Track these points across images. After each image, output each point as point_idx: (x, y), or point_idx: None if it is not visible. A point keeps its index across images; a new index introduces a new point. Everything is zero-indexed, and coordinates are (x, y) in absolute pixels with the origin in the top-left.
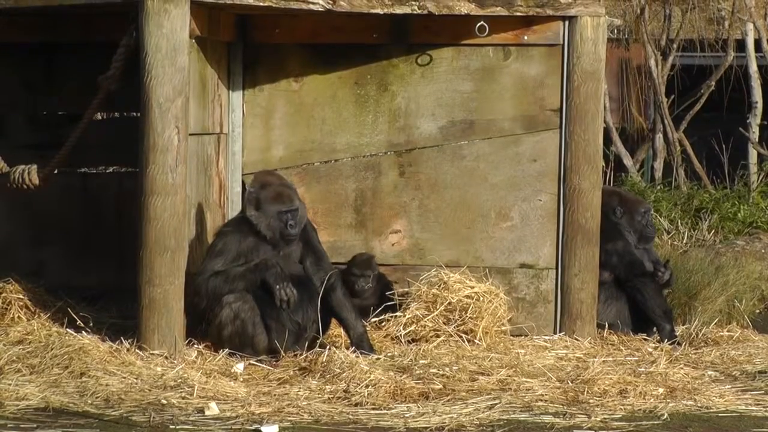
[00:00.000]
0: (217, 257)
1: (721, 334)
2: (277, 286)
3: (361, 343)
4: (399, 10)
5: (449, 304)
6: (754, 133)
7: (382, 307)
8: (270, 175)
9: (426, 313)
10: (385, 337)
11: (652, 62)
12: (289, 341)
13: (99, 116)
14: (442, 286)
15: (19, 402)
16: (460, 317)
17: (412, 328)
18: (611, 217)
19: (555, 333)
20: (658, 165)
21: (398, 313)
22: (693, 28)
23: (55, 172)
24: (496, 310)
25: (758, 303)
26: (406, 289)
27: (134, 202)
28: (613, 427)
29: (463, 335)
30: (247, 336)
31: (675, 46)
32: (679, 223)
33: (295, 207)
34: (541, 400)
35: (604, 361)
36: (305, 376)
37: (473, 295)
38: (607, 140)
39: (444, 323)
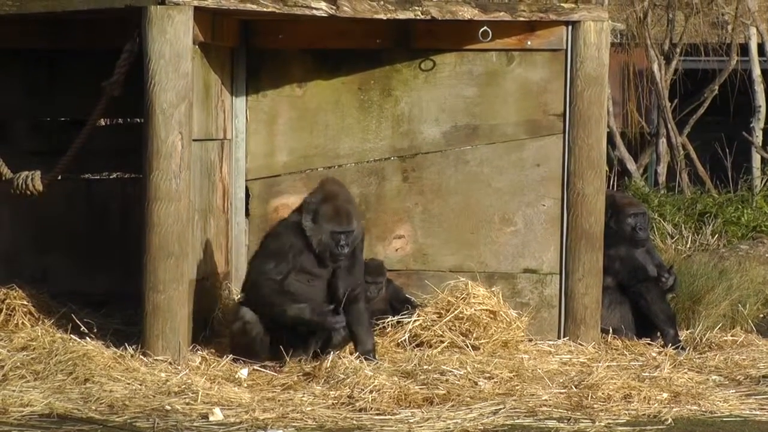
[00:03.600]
0: (271, 259)
1: (725, 338)
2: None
3: (367, 359)
4: (402, 15)
5: (460, 312)
6: (758, 137)
7: (403, 313)
8: (335, 186)
9: (435, 319)
10: (390, 342)
11: (655, 67)
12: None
13: (102, 122)
14: (462, 296)
15: (24, 408)
16: (468, 329)
17: (419, 332)
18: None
19: (559, 338)
20: (662, 169)
21: (405, 315)
22: (696, 33)
23: (59, 178)
24: (504, 335)
25: (762, 307)
26: (427, 296)
27: (138, 208)
28: None
29: (467, 342)
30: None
31: (678, 50)
32: (683, 228)
33: (351, 229)
34: (545, 405)
35: (608, 366)
36: (309, 382)
37: (488, 311)
38: (611, 145)
39: (449, 329)
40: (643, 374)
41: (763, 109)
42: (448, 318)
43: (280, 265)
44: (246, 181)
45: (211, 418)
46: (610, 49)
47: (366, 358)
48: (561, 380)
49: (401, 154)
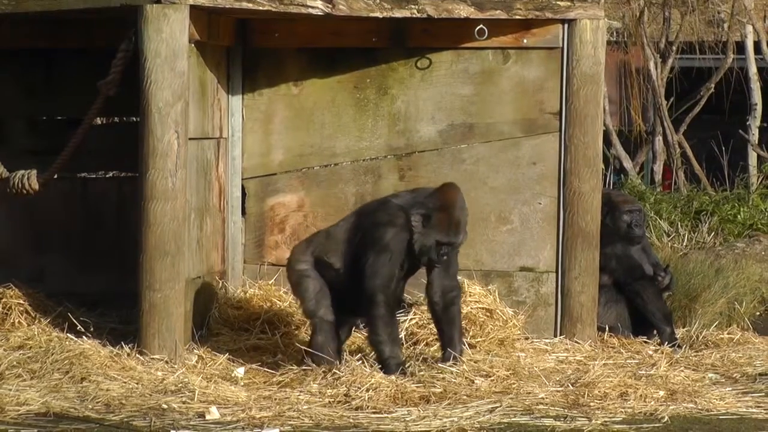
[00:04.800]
0: (386, 261)
1: (722, 336)
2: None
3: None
4: (398, 13)
5: None
6: (754, 135)
7: (399, 312)
8: (453, 193)
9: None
10: None
11: (652, 65)
12: None
13: (99, 121)
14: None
15: (20, 407)
16: (464, 328)
17: (415, 330)
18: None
19: (555, 336)
20: (658, 167)
21: (401, 313)
22: (692, 31)
23: (55, 177)
24: (500, 333)
25: (758, 305)
26: (424, 294)
27: (134, 207)
28: (613, 430)
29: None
30: None
31: (674, 48)
32: (679, 226)
33: (457, 241)
34: (542, 404)
35: (604, 364)
36: (306, 380)
37: (485, 310)
38: (607, 143)
39: None
40: (640, 372)
41: (759, 107)
42: None
43: (392, 281)
44: (242, 179)
45: (207, 417)
46: (607, 47)
47: (454, 361)
48: (557, 378)
49: (397, 153)
